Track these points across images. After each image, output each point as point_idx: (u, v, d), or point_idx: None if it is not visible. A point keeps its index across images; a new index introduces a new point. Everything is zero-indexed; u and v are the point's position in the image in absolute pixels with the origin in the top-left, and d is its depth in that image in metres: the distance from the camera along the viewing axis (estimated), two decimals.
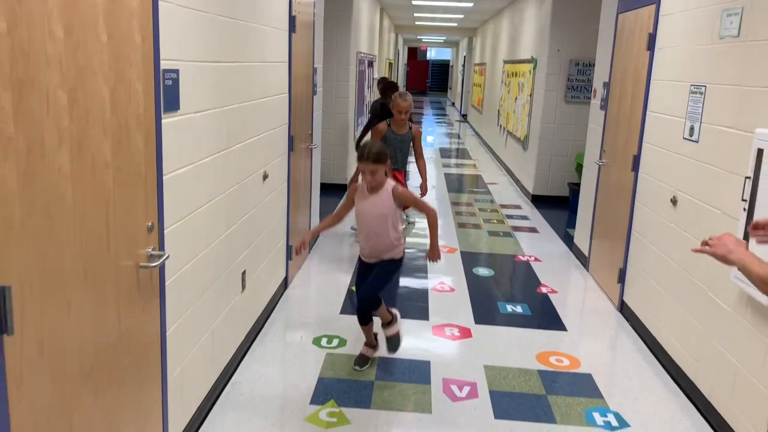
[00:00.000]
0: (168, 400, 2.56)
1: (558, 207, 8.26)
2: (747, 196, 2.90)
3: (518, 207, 8.39)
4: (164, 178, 2.37)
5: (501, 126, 12.28)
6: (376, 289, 3.51)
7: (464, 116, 23.53)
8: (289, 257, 4.84)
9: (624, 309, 4.69)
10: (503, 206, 8.41)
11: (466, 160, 12.92)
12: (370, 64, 11.24)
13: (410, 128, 5.54)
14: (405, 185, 5.57)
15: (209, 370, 3.13)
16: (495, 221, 7.55)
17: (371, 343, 3.74)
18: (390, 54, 18.44)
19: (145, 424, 2.36)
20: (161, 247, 2.36)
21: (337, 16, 8.12)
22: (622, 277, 4.74)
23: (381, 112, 6.69)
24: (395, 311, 3.75)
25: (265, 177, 3.98)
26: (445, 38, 28.30)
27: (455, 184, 9.92)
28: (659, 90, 4.26)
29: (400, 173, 5.57)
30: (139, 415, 2.31)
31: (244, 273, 3.64)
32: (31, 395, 1.62)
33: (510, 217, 7.81)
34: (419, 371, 3.67)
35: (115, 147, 2.00)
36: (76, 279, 1.81)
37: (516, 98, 10.53)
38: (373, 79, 11.52)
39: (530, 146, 8.98)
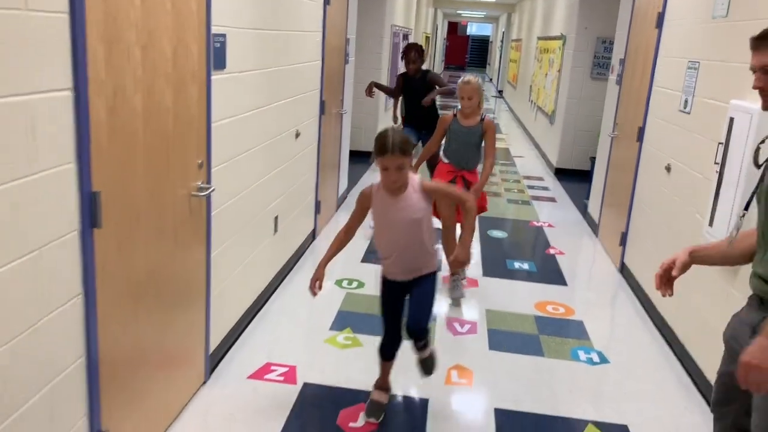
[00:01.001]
0: (210, 313, 3.08)
1: (579, 180, 8.56)
2: (719, 160, 3.26)
3: (541, 179, 8.74)
4: (212, 125, 2.86)
5: (532, 101, 12.53)
6: (428, 317, 2.82)
7: (500, 92, 23.68)
8: (317, 211, 5.33)
9: (624, 270, 5.07)
10: (526, 177, 8.77)
11: (496, 134, 13.22)
12: (405, 37, 11.58)
13: (482, 119, 4.27)
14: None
15: (245, 295, 3.65)
16: (516, 191, 7.93)
17: (386, 385, 3.03)
18: (428, 28, 18.67)
19: (191, 329, 2.88)
20: (208, 181, 2.86)
21: None
22: (623, 241, 5.11)
23: (403, 84, 6.31)
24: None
25: (297, 135, 4.46)
26: (485, 13, 28.26)
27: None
28: (664, 66, 4.58)
29: (472, 174, 4.35)
30: (188, 319, 2.83)
31: (276, 218, 4.14)
32: (111, 283, 2.14)
33: (531, 187, 8.17)
34: None
35: (175, 96, 2.49)
36: (144, 197, 2.31)
37: (546, 74, 10.79)
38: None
39: (556, 121, 9.28)
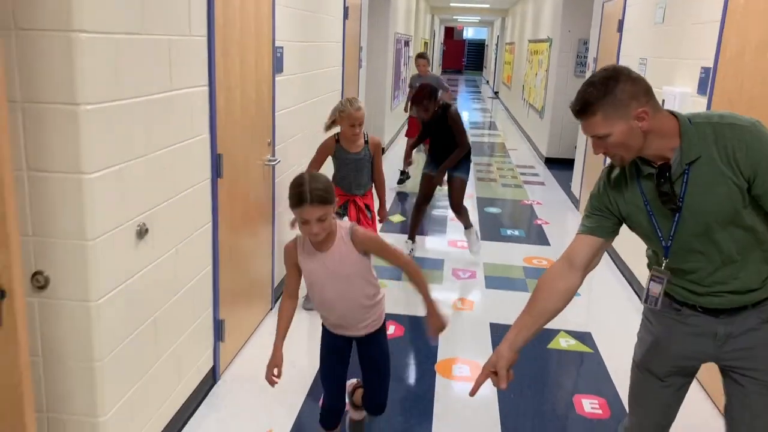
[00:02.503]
0: (275, 240, 4.07)
1: (566, 167, 9.56)
2: None
3: (532, 167, 9.76)
4: (276, 113, 3.88)
5: (524, 99, 13.57)
6: (386, 389, 2.55)
7: (496, 93, 24.70)
8: None
9: None
10: (519, 166, 9.79)
11: (493, 131, 14.25)
12: (406, 43, 12.63)
13: (366, 142, 3.91)
14: (373, 214, 4.13)
15: None
16: (510, 177, 8.96)
17: (359, 402, 2.71)
18: (426, 34, 19.72)
19: (265, 251, 3.90)
20: (273, 155, 3.87)
21: (379, 1, 9.53)
22: None
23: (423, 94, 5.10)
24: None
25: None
26: (480, 18, 29.35)
27: (480, 150, 11.30)
28: (624, 63, 5.60)
29: (365, 198, 4.07)
30: (261, 248, 3.84)
31: None
32: (224, 216, 3.14)
33: (523, 174, 9.20)
34: (436, 264, 5.16)
35: (256, 92, 3.51)
36: (241, 161, 3.32)
37: (536, 74, 11.82)
38: (408, 57, 12.90)
39: (545, 115, 10.30)
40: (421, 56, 8.23)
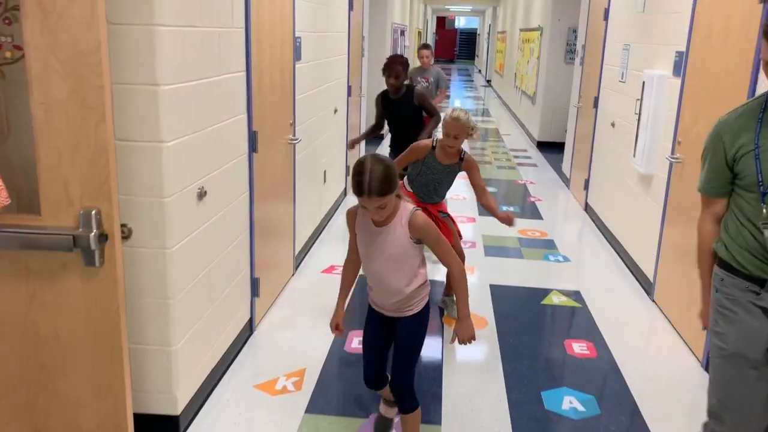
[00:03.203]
0: (296, 212, 4.51)
1: (557, 150, 10.03)
2: (637, 111, 4.74)
3: (525, 150, 10.23)
4: (296, 97, 4.31)
5: (517, 87, 14.01)
6: (411, 373, 2.50)
7: (488, 81, 25.12)
8: (347, 174, 6.79)
9: (588, 209, 6.55)
10: (512, 150, 10.25)
11: (486, 117, 14.70)
12: (402, 33, 13.03)
13: (462, 158, 3.66)
14: (445, 220, 3.93)
15: (315, 215, 5.11)
16: (504, 160, 9.42)
17: (390, 398, 2.77)
18: (419, 23, 20.11)
19: (287, 222, 4.34)
20: (294, 134, 4.31)
21: None
22: (586, 186, 6.59)
23: (382, 104, 5.01)
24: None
25: (335, 111, 5.91)
26: (471, 8, 29.71)
27: None
28: (610, 48, 6.06)
29: (437, 206, 3.91)
30: (285, 219, 4.28)
31: (325, 172, 5.59)
32: (258, 185, 3.58)
33: (516, 156, 9.66)
34: None
35: (281, 77, 3.93)
36: (269, 138, 3.75)
37: (528, 61, 12.26)
38: (404, 46, 13.30)
39: (537, 101, 10.75)
40: (425, 47, 6.90)
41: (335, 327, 2.53)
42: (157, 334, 2.60)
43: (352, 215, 2.43)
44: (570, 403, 3.09)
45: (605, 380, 3.33)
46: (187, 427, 2.76)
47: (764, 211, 1.94)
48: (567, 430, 2.89)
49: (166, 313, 2.58)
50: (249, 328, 3.61)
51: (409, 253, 2.34)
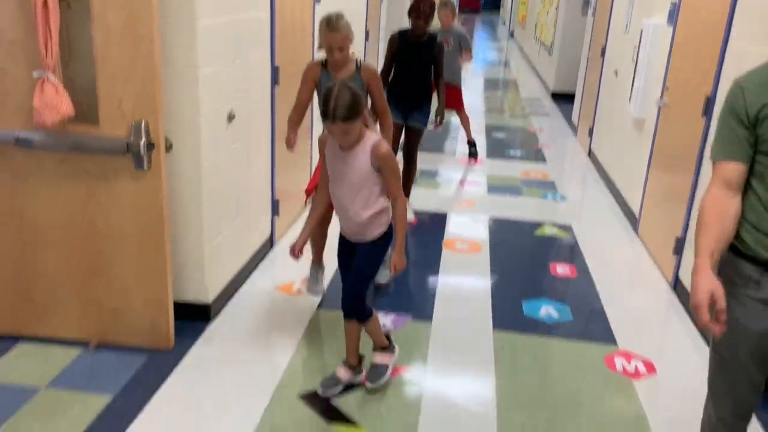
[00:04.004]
0: (312, 147, 4.94)
1: (570, 101, 10.27)
2: (635, 59, 5.05)
3: (539, 100, 10.49)
4: (315, 38, 4.68)
5: (536, 38, 14.11)
6: (360, 285, 2.63)
7: (512, 33, 24.98)
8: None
9: (591, 154, 6.89)
10: (527, 99, 10.51)
11: (506, 68, 14.86)
12: None
13: (358, 68, 3.18)
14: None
15: None
16: (517, 108, 9.71)
17: (352, 360, 2.78)
18: None
19: (304, 157, 4.77)
20: None
21: None
22: (591, 132, 6.91)
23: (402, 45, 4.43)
24: (394, 345, 2.86)
25: (352, 54, 6.25)
26: None
27: (491, 85, 12.00)
28: (618, 1, 6.29)
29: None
30: (301, 151, 4.72)
31: None
32: (280, 124, 4.00)
33: (530, 106, 9.94)
34: (445, 176, 6.02)
35: (300, 17, 4.31)
36: (289, 71, 4.16)
37: (548, 12, 12.37)
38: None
39: (553, 52, 10.93)
40: (445, 5, 5.83)
41: (294, 251, 2.65)
42: (193, 234, 3.07)
43: (322, 142, 2.63)
44: (547, 311, 3.54)
45: (581, 295, 3.77)
46: (217, 315, 3.26)
47: None
48: (541, 330, 3.35)
49: (200, 215, 3.05)
50: (270, 243, 4.09)
51: (369, 180, 2.48)
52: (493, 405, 2.72)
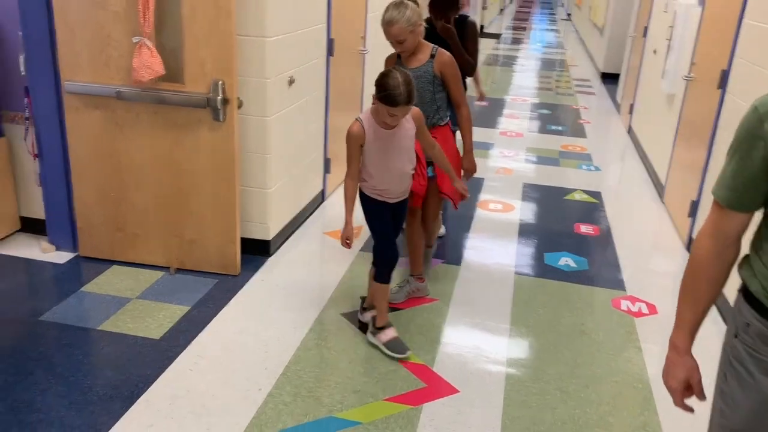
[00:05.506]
0: None
1: (618, 80, 10.46)
2: (668, 37, 5.32)
3: (587, 80, 10.69)
4: (368, 15, 5.15)
5: (590, 19, 14.18)
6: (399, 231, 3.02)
7: (569, 15, 24.80)
8: None
9: (630, 131, 7.16)
10: (576, 79, 10.73)
11: (560, 49, 14.99)
12: None
13: (432, 56, 3.06)
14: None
15: None
16: (564, 87, 9.96)
17: (384, 322, 2.97)
18: None
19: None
20: (365, 47, 5.17)
21: None
22: (631, 109, 7.18)
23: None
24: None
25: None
26: None
27: (544, 65, 12.22)
28: None
29: (435, 131, 3.14)
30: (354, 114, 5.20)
31: None
32: (333, 87, 4.49)
33: (578, 85, 10.17)
34: (486, 146, 6.43)
35: (352, 12, 4.79)
36: (345, 44, 4.63)
37: None
38: None
39: (605, 32, 11.08)
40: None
41: (346, 241, 2.81)
42: (258, 179, 3.60)
43: (359, 133, 2.71)
44: (565, 261, 3.96)
45: (599, 250, 4.16)
46: (276, 250, 3.81)
47: None
48: (558, 276, 3.77)
49: (264, 164, 3.58)
50: (321, 197, 4.61)
51: (413, 140, 2.81)
52: (507, 328, 3.18)
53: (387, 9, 2.94)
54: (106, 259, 3.60)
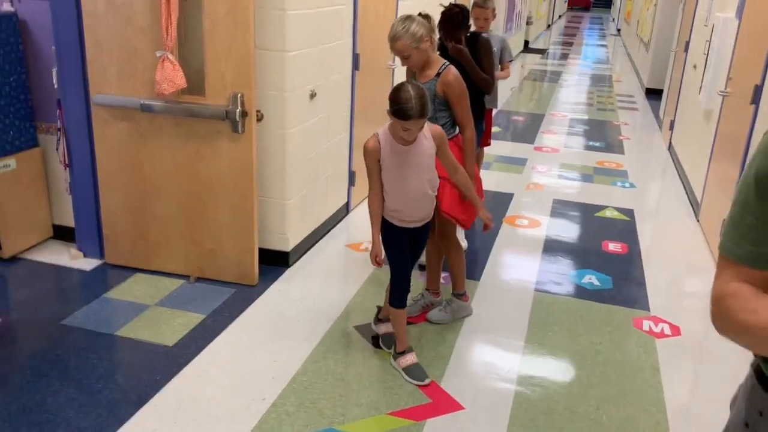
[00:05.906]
0: None
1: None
2: (706, 52, 5.18)
3: (631, 96, 10.48)
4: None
5: (637, 34, 13.93)
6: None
7: (618, 30, 24.42)
8: None
9: (670, 148, 6.97)
10: (619, 95, 10.53)
11: (605, 65, 14.75)
12: None
13: (438, 74, 2.96)
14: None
15: None
16: (607, 103, 9.78)
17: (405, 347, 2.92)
18: None
19: None
20: (393, 61, 5.20)
21: None
22: (672, 126, 6.99)
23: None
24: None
25: None
26: None
27: (589, 80, 12.04)
28: None
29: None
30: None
31: None
32: (359, 99, 4.53)
33: (621, 101, 9.98)
34: (520, 162, 6.35)
35: (384, 10, 4.81)
36: (370, 59, 4.67)
37: (648, 8, 12.23)
38: None
39: (650, 47, 10.86)
40: (477, 5, 4.16)
41: (376, 260, 2.75)
42: (277, 190, 3.65)
43: (375, 148, 2.64)
44: (589, 279, 3.86)
45: (626, 269, 4.04)
46: (295, 261, 3.84)
47: None
48: (580, 294, 3.68)
49: (284, 176, 3.62)
50: (345, 210, 4.64)
51: (433, 159, 2.71)
52: (521, 345, 3.11)
53: (393, 23, 2.93)
54: (131, 267, 3.69)
